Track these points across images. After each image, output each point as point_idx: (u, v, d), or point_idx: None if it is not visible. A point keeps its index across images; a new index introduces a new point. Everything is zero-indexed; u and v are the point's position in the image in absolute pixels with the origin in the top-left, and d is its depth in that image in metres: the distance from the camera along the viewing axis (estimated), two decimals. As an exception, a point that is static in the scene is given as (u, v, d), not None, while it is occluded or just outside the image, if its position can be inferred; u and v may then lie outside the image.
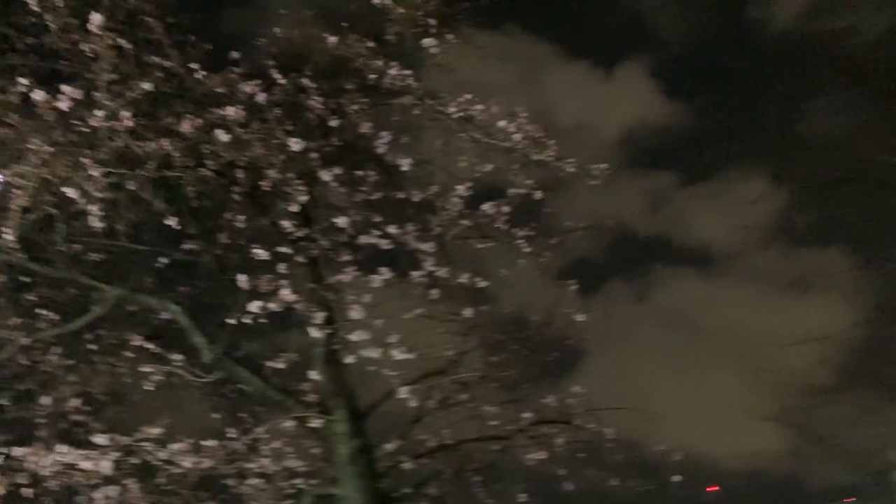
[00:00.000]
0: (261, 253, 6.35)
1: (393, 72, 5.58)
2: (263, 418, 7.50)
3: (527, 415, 8.62)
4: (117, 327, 7.75)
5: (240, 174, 6.59)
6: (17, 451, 6.37)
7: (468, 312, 7.44)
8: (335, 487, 6.89)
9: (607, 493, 8.78)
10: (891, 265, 11.72)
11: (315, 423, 6.60)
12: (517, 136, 5.43)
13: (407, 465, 7.63)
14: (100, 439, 6.32)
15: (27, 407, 7.61)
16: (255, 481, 7.15)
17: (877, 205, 11.49)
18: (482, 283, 7.23)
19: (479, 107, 5.46)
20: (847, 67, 11.57)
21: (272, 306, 6.29)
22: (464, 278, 6.95)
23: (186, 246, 7.58)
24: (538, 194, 6.01)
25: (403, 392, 6.36)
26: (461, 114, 5.54)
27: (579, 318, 7.87)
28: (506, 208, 6.72)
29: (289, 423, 7.55)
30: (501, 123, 5.45)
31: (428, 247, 6.69)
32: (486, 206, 6.79)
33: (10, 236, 5.43)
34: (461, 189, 6.46)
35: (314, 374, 6.25)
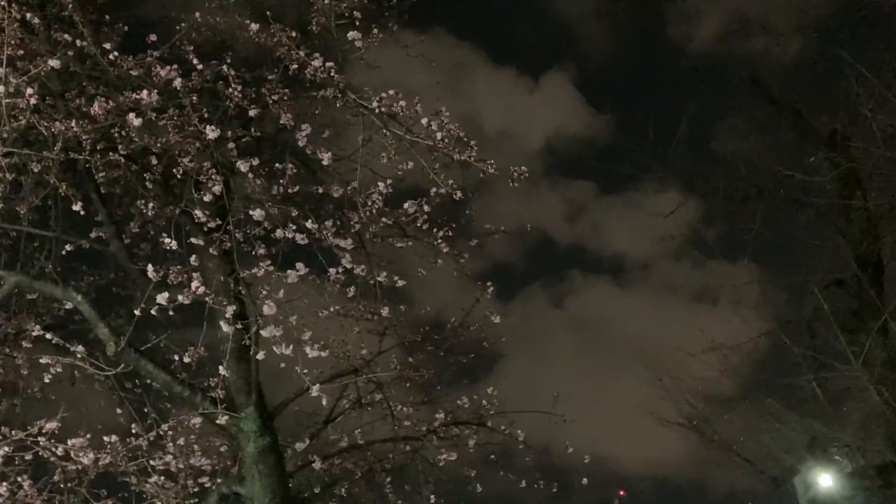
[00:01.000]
0: (171, 243, 6.13)
1: (316, 63, 5.45)
2: (169, 414, 7.28)
3: (440, 416, 8.64)
4: (15, 316, 7.38)
5: (153, 161, 6.36)
6: None
7: (385, 312, 7.38)
8: (242, 486, 6.72)
9: (516, 495, 8.87)
10: (794, 279, 12.22)
11: (222, 419, 6.40)
12: (439, 135, 5.39)
13: (317, 465, 7.51)
14: (-7, 432, 5.98)
15: None
16: (158, 479, 6.90)
17: (783, 221, 11.97)
18: (400, 283, 7.18)
19: (402, 103, 5.40)
20: (760, 88, 12.03)
21: (181, 299, 6.07)
22: (382, 277, 6.89)
23: (94, 234, 7.30)
24: (459, 195, 5.99)
25: (316, 391, 6.23)
26: (384, 109, 5.46)
27: (496, 320, 7.91)
28: (426, 208, 6.69)
29: (195, 420, 7.35)
30: (424, 121, 5.40)
31: (346, 244, 6.59)
32: (407, 205, 6.75)
33: None
34: (382, 186, 6.38)
35: (223, 370, 6.06)
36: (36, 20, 5.94)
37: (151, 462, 6.92)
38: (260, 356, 6.21)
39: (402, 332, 8.63)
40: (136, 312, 5.91)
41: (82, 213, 6.71)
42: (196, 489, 7.31)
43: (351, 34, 5.66)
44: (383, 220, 6.79)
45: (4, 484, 6.66)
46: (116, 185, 7.27)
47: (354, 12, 5.59)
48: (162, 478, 7.03)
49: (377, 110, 5.54)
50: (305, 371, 6.64)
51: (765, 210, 11.53)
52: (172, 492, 7.39)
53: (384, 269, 6.93)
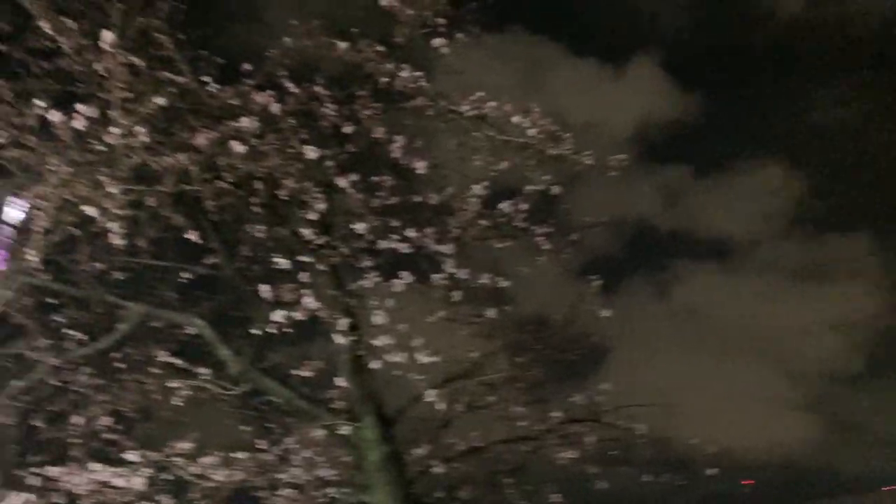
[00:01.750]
0: (282, 262, 6.32)
1: (404, 74, 5.53)
2: (293, 428, 7.48)
3: (555, 414, 8.52)
4: (144, 344, 7.77)
5: (257, 185, 6.58)
6: (53, 471, 6.38)
7: (490, 313, 7.35)
8: (367, 495, 6.82)
9: (641, 489, 8.65)
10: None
11: (344, 430, 6.54)
12: (532, 132, 5.35)
13: (437, 470, 7.55)
14: (132, 456, 6.31)
15: (60, 427, 7.64)
16: (286, 492, 7.11)
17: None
18: (503, 283, 7.14)
19: (491, 104, 5.40)
20: (852, 54, 11.39)
21: (296, 315, 6.26)
22: (484, 279, 6.87)
23: (208, 260, 7.59)
24: (556, 190, 5.92)
25: (430, 396, 6.28)
26: (474, 112, 5.47)
27: (604, 314, 7.75)
28: (523, 206, 6.64)
29: (318, 432, 7.52)
30: (515, 119, 5.38)
31: (447, 249, 6.62)
32: (504, 205, 6.72)
33: (33, 258, 5.44)
34: (478, 189, 6.39)
35: (340, 382, 6.18)
36: (139, 63, 6.24)
37: (280, 475, 7.13)
38: (374, 365, 6.31)
39: (508, 333, 8.58)
40: (255, 332, 6.12)
41: (196, 241, 7.04)
42: (323, 499, 7.48)
43: (436, 42, 5.70)
44: (481, 222, 6.79)
45: (148, 503, 7.02)
46: (225, 212, 7.54)
47: (438, 20, 5.62)
48: (291, 490, 7.24)
49: (467, 114, 5.54)
50: (419, 377, 6.71)
51: (875, 179, 10.91)
52: (301, 503, 7.60)
53: (486, 271, 6.91)
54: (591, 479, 8.72)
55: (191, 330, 7.48)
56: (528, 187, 6.49)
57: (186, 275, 7.55)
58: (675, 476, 8.64)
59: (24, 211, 6.58)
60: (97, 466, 6.43)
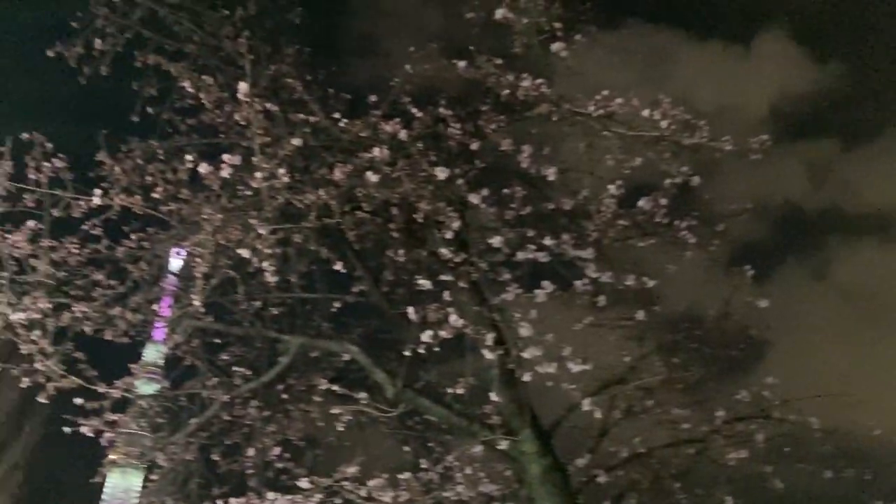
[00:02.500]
0: (424, 283, 6.40)
1: (526, 84, 5.49)
2: (452, 446, 7.52)
3: (719, 414, 8.12)
4: (304, 374, 8.09)
5: (394, 211, 6.72)
6: (233, 502, 6.71)
7: (639, 315, 7.12)
8: (533, 509, 6.74)
9: (823, 486, 8.06)
10: None
11: (502, 445, 6.50)
12: (664, 124, 5.15)
13: (602, 479, 7.35)
14: (303, 483, 6.54)
15: (236, 459, 8.06)
16: (455, 505, 7.15)
17: None
18: (649, 283, 6.90)
19: (618, 101, 5.25)
20: None
21: (443, 334, 6.31)
22: (630, 280, 6.66)
23: (355, 288, 7.83)
24: (695, 180, 5.66)
25: (586, 404, 6.14)
26: (601, 112, 5.34)
27: (762, 304, 7.33)
28: (663, 201, 6.39)
29: (477, 449, 7.53)
30: (645, 113, 5.20)
31: (587, 253, 6.48)
32: (642, 202, 6.50)
33: (197, 302, 5.78)
34: (612, 189, 6.22)
35: (494, 397, 6.16)
36: (273, 108, 6.56)
37: (445, 494, 7.18)
38: (526, 378, 6.24)
39: (660, 334, 8.27)
40: (406, 354, 6.22)
41: (342, 271, 7.28)
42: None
43: (555, 46, 5.62)
44: (620, 222, 6.60)
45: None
46: (366, 240, 7.76)
47: (554, 24, 5.55)
48: (457, 506, 7.28)
49: (594, 114, 5.41)
50: (573, 386, 6.59)
51: None
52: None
53: (630, 273, 6.69)
54: (765, 479, 8.23)
55: (346, 356, 7.74)
56: (666, 181, 6.25)
57: (337, 304, 7.83)
58: (860, 471, 8.00)
59: (184, 259, 7.05)
60: (272, 495, 6.71)
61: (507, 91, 5.64)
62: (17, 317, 5.94)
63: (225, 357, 7.95)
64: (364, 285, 7.71)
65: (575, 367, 6.26)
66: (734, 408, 8.15)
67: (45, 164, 6.26)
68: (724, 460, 7.99)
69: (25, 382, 6.89)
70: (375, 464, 7.20)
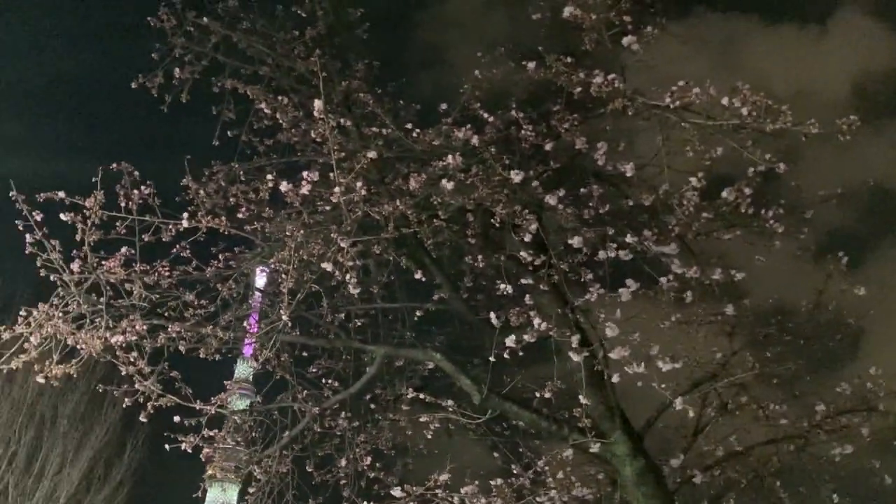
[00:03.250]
0: (505, 289, 6.33)
1: (598, 80, 5.36)
2: (542, 451, 7.43)
3: (820, 408, 7.76)
4: (390, 384, 8.14)
5: (470, 217, 6.68)
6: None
7: (728, 310, 6.87)
8: (628, 511, 6.57)
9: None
10: None
11: (594, 448, 6.36)
12: (744, 111, 4.94)
13: (698, 479, 7.12)
14: (396, 492, 6.55)
15: (329, 471, 8.16)
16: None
17: None
18: (738, 276, 6.64)
19: (695, 90, 5.06)
20: None
21: (526, 338, 6.22)
22: (717, 274, 6.42)
23: (435, 296, 7.83)
24: (780, 167, 5.41)
25: (678, 403, 5.95)
26: (677, 103, 5.17)
27: (860, 292, 6.97)
28: (747, 190, 6.14)
29: (567, 453, 7.40)
30: (724, 101, 5.00)
31: (671, 249, 6.29)
32: (726, 193, 6.25)
33: (284, 317, 5.87)
34: (694, 181, 6.01)
35: (582, 399, 6.03)
36: (347, 123, 6.62)
37: (537, 499, 7.08)
38: (615, 379, 6.10)
39: (751, 328, 7.98)
40: (491, 359, 6.16)
41: (422, 279, 7.28)
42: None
43: (625, 40, 5.48)
44: (703, 215, 6.37)
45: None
46: (444, 248, 7.76)
47: (623, 18, 5.41)
48: (550, 511, 7.17)
49: (671, 106, 5.24)
50: (663, 386, 6.40)
51: None
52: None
53: (717, 266, 6.46)
54: (873, 475, 7.82)
55: (430, 364, 7.75)
56: (750, 170, 6.00)
57: (419, 313, 7.85)
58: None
59: (269, 276, 7.19)
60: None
61: (578, 89, 5.53)
62: (116, 339, 6.14)
63: (313, 370, 8.07)
64: (444, 293, 7.69)
65: (664, 366, 6.07)
66: (835, 401, 7.78)
67: (135, 191, 6.48)
68: (827, 456, 7.63)
69: (126, 403, 7.14)
70: (465, 471, 7.17)
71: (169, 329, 6.61)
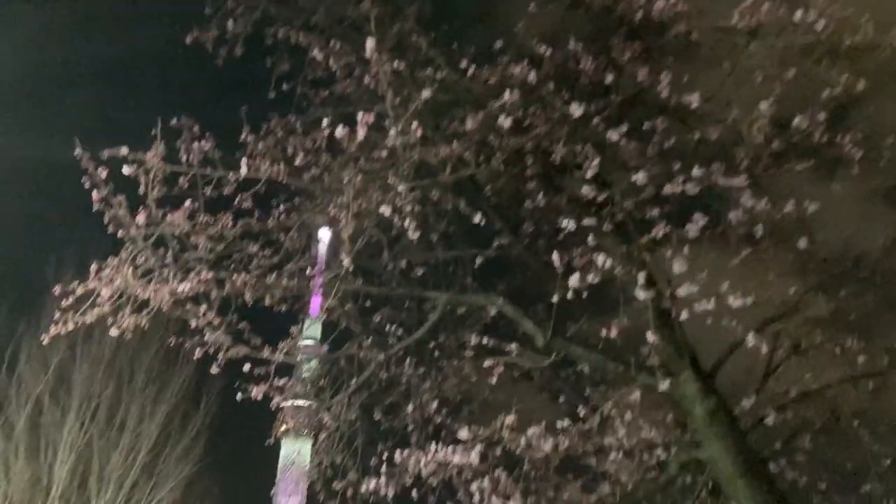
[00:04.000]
0: (568, 225, 6.09)
1: (660, 3, 5.02)
2: (608, 394, 7.23)
3: (901, 344, 7.34)
4: (454, 331, 8.05)
5: (529, 158, 6.45)
6: (398, 456, 6.78)
7: (801, 244, 6.47)
8: (699, 451, 6.35)
9: None
10: None
11: (663, 387, 6.13)
12: (820, 26, 4.54)
13: (770, 420, 6.83)
14: (463, 433, 6.48)
15: (396, 417, 8.16)
16: (614, 456, 6.88)
17: None
18: (812, 208, 6.24)
19: (765, 7, 4.68)
20: None
21: (590, 278, 6.00)
22: (788, 207, 6.04)
23: (495, 243, 7.65)
24: (860, 86, 4.99)
25: (751, 340, 5.67)
26: (747, 23, 4.80)
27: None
28: (821, 116, 5.72)
29: (635, 396, 7.20)
30: (797, 17, 4.61)
31: (740, 182, 5.93)
32: (798, 121, 5.84)
33: (346, 262, 5.79)
34: (763, 108, 5.62)
35: (650, 338, 5.80)
36: (401, 67, 6.41)
37: (605, 441, 6.92)
38: (683, 316, 5.84)
39: (825, 264, 7.55)
40: (554, 300, 5.97)
41: (481, 226, 7.10)
42: (653, 461, 7.13)
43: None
44: (774, 145, 5.99)
45: (486, 478, 7.21)
46: (503, 192, 7.55)
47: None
48: (619, 454, 7.00)
49: (739, 26, 4.87)
50: (734, 323, 6.13)
51: None
52: (631, 467, 7.33)
53: (789, 199, 6.07)
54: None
55: (493, 311, 7.61)
56: (824, 93, 5.58)
57: (479, 260, 7.68)
58: None
59: (330, 227, 7.12)
60: (435, 447, 6.71)
61: (639, 14, 5.20)
62: (183, 287, 6.18)
63: (377, 319, 8.03)
64: (504, 239, 7.52)
65: (735, 302, 5.78)
66: (916, 340, 7.34)
67: (195, 145, 6.46)
68: (913, 395, 7.23)
69: (197, 354, 7.24)
70: (531, 415, 7.05)
71: (235, 279, 6.63)
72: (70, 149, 6.43)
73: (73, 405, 16.79)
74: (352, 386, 7.84)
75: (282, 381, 7.74)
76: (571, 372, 7.90)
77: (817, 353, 7.49)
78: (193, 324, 7.17)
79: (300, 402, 8.11)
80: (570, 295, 5.82)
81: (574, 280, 5.75)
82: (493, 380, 7.40)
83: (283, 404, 7.78)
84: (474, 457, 6.33)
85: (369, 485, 6.98)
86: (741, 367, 6.90)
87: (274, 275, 6.95)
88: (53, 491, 15.72)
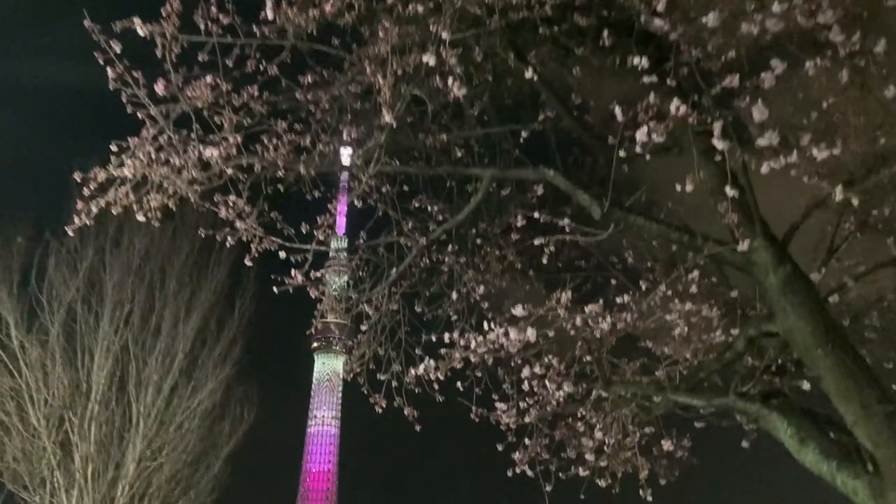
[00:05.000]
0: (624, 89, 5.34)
1: None
2: (670, 267, 6.59)
3: None
4: (498, 215, 7.40)
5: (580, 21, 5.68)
6: (447, 338, 6.26)
7: (890, 92, 5.65)
8: (772, 324, 5.72)
9: None
10: None
11: (742, 246, 5.45)
12: None
13: (851, 286, 6.18)
14: (517, 310, 5.90)
15: (439, 306, 7.60)
16: (677, 334, 6.29)
17: None
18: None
19: None
20: None
21: (655, 137, 5.25)
22: (879, 46, 5.19)
23: (541, 116, 6.91)
24: None
25: (839, 194, 4.96)
26: None
27: None
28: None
29: (694, 274, 6.58)
30: None
31: (826, 18, 5.08)
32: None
33: (388, 119, 5.11)
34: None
35: (729, 191, 5.10)
36: None
37: (667, 316, 6.33)
38: (764, 170, 5.12)
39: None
40: (618, 155, 5.26)
41: (525, 104, 6.33)
42: (718, 339, 6.54)
43: None
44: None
45: (537, 364, 6.68)
46: (547, 65, 6.76)
47: None
48: (679, 333, 6.42)
49: None
50: (814, 181, 5.41)
51: None
52: (690, 349, 6.75)
53: (881, 36, 5.23)
54: None
55: (539, 190, 6.93)
56: None
57: (524, 134, 6.94)
58: None
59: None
60: (488, 326, 6.17)
61: None
62: (211, 153, 5.53)
63: (416, 204, 7.35)
64: (551, 111, 6.76)
65: (819, 153, 5.05)
66: None
67: (212, 9, 5.73)
68: None
69: (229, 243, 6.68)
70: (592, 292, 6.47)
71: (263, 157, 5.98)
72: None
73: (107, 311, 16.50)
74: (392, 274, 7.26)
75: (318, 273, 7.21)
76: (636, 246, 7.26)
77: (887, 226, 6.75)
78: (223, 214, 6.61)
79: (339, 292, 7.52)
80: (637, 149, 5.08)
81: (641, 134, 5.00)
82: (544, 259, 6.80)
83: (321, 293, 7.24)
84: (530, 333, 5.75)
85: (417, 369, 6.47)
86: (806, 245, 6.20)
87: (304, 155, 6.29)
88: (93, 395, 15.62)
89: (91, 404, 15.52)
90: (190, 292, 17.41)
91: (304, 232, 7.01)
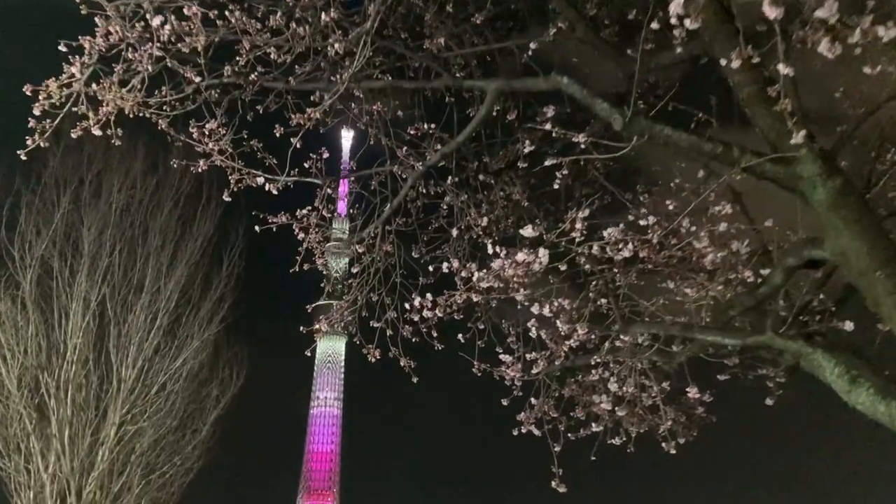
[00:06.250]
0: None
1: None
2: (689, 203, 5.64)
3: None
4: (503, 146, 6.52)
5: None
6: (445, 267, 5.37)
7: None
8: (820, 249, 4.80)
9: None
10: None
11: (772, 169, 4.57)
12: None
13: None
14: (527, 231, 5.00)
15: (438, 247, 6.72)
16: (708, 258, 5.41)
17: None
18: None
19: None
20: None
21: (688, 24, 4.32)
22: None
23: (551, 29, 6.00)
24: None
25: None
26: None
27: None
28: None
29: (717, 208, 5.69)
30: None
31: None
32: None
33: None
34: None
35: (783, 69, 4.17)
36: None
37: (695, 245, 5.43)
38: (787, 71, 4.18)
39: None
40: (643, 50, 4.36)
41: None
42: (748, 279, 5.62)
43: None
44: None
45: (546, 305, 5.78)
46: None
47: None
48: (709, 259, 5.53)
49: None
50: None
51: None
52: (717, 287, 5.85)
53: None
54: None
55: (550, 113, 6.01)
56: None
57: (533, 45, 6.01)
58: None
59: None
60: (494, 250, 5.29)
61: None
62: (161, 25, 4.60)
63: (412, 132, 6.43)
64: (562, 22, 5.85)
65: (889, 32, 4.11)
66: None
67: None
68: None
69: (202, 166, 5.82)
70: (604, 216, 5.56)
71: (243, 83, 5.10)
72: None
73: (84, 265, 15.31)
74: (386, 210, 6.36)
75: (305, 210, 6.34)
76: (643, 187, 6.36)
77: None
78: (200, 149, 5.79)
79: (331, 231, 6.61)
80: (673, 33, 4.17)
81: (675, 5, 4.06)
82: (556, 184, 5.90)
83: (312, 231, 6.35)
84: (542, 254, 4.84)
85: (413, 303, 5.58)
86: (870, 145, 5.30)
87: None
88: (69, 355, 14.50)
89: (67, 364, 14.43)
90: (174, 246, 16.26)
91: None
